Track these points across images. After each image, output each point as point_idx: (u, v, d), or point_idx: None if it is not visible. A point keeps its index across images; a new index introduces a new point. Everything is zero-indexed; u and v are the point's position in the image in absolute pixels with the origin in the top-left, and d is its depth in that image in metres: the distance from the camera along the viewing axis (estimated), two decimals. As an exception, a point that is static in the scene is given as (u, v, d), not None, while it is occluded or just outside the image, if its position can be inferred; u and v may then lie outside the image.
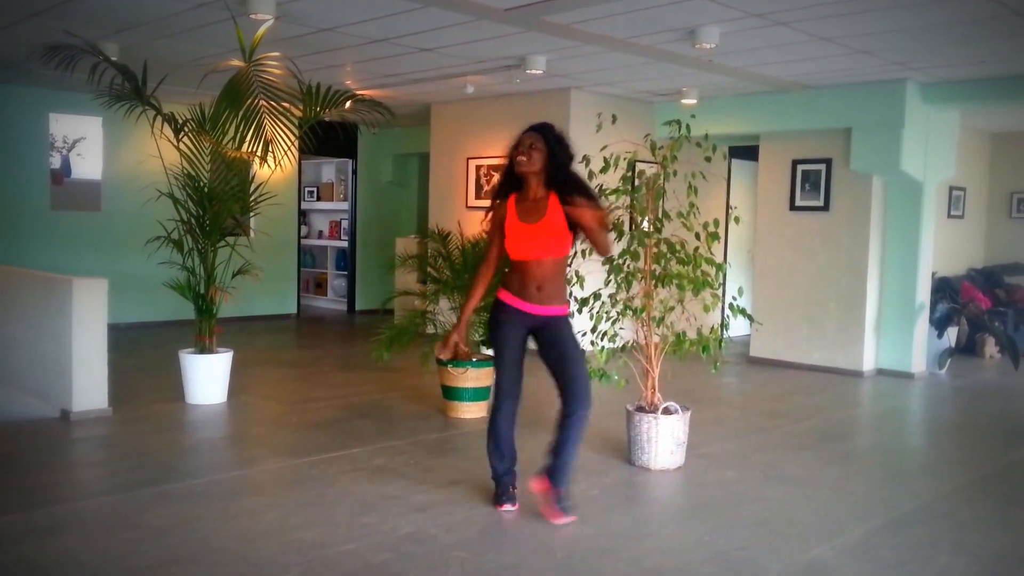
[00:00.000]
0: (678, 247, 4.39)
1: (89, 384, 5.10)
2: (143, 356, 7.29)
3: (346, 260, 11.33)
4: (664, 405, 4.38)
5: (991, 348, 8.39)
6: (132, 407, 5.37)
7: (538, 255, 3.49)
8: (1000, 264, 9.18)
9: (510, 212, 3.53)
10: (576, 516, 3.53)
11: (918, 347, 7.29)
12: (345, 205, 11.32)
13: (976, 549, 3.39)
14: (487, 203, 8.17)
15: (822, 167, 7.45)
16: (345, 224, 11.39)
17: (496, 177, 3.85)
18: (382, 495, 3.81)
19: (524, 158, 3.46)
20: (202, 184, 5.54)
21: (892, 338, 7.32)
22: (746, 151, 8.72)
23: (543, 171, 3.48)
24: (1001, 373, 7.78)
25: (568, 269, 4.46)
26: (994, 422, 5.88)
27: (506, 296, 3.57)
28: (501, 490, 3.68)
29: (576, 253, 4.42)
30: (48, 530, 3.33)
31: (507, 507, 3.64)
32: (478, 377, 5.31)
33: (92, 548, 3.19)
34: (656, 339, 4.45)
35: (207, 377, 5.53)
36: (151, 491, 3.82)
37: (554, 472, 3.50)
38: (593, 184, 4.42)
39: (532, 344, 3.64)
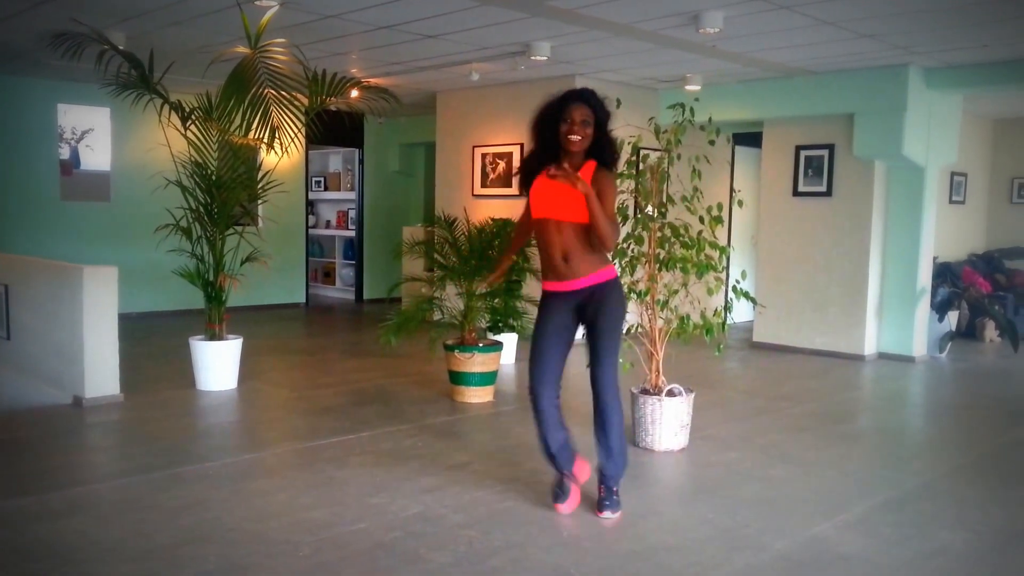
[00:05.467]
0: (682, 231, 4.43)
1: (101, 371, 5.17)
2: (153, 344, 7.36)
3: (354, 249, 11.39)
4: (668, 388, 4.43)
5: (991, 332, 8.44)
6: (144, 393, 5.45)
7: (558, 215, 3.25)
8: (1000, 249, 9.21)
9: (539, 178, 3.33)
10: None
11: (919, 331, 7.33)
12: (352, 195, 11.37)
13: (976, 525, 3.45)
14: (493, 191, 8.34)
15: (825, 152, 7.48)
16: (352, 214, 11.44)
17: (527, 149, 3.45)
18: (391, 477, 3.88)
19: (577, 137, 3.21)
20: (210, 172, 5.58)
21: (893, 322, 7.37)
22: (750, 138, 8.73)
23: (590, 145, 3.27)
24: (1001, 356, 7.83)
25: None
26: (993, 403, 5.93)
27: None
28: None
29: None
30: (64, 512, 3.40)
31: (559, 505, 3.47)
32: (484, 362, 5.37)
33: (107, 529, 3.25)
34: (660, 323, 4.50)
35: (217, 364, 5.60)
36: (164, 474, 3.89)
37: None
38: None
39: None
